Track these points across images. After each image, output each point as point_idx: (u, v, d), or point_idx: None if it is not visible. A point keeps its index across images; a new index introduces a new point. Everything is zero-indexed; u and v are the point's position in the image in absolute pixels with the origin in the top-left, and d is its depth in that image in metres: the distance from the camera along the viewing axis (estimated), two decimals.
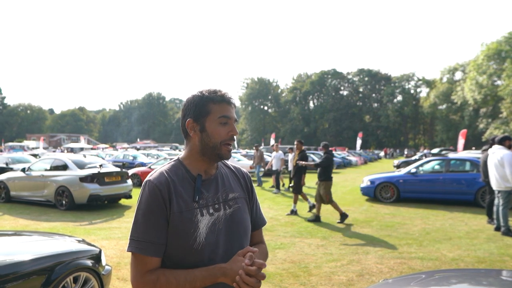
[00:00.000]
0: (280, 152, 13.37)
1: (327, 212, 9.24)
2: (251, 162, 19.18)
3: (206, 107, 1.34)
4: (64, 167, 10.00)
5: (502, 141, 7.02)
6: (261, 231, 1.57)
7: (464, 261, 5.29)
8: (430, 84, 72.18)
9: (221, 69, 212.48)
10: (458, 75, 62.88)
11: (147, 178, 1.32)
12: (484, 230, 7.20)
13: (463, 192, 10.09)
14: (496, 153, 6.95)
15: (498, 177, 6.86)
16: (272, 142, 36.28)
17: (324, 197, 8.12)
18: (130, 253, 1.28)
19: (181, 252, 1.27)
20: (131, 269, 1.28)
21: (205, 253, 1.27)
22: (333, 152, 37.19)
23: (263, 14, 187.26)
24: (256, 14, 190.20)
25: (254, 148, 14.70)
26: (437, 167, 10.98)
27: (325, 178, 8.20)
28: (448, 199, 10.34)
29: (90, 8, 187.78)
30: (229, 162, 1.54)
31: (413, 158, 30.12)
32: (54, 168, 10.17)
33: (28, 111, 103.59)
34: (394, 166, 28.02)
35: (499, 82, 45.27)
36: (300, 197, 9.20)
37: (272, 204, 10.70)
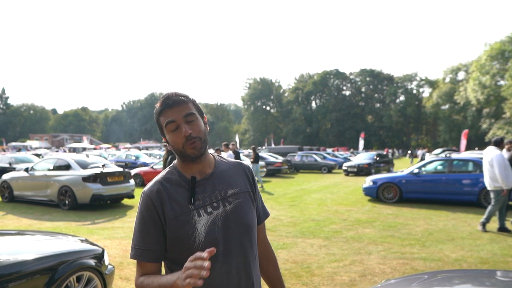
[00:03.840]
0: (230, 152, 11.84)
1: (329, 213, 9.23)
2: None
3: (158, 122, 1.37)
4: (67, 167, 10.02)
5: (496, 143, 7.25)
6: (264, 224, 1.59)
7: (467, 261, 5.27)
8: (432, 84, 72.00)
9: (224, 69, 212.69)
10: (461, 75, 62.71)
11: (144, 189, 1.39)
12: (487, 230, 7.17)
13: (466, 192, 10.05)
14: (489, 154, 7.16)
15: (488, 177, 7.09)
16: (272, 143, 35.43)
17: None
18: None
19: (183, 254, 1.28)
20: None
21: None
22: (336, 152, 36.28)
23: (265, 14, 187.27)
24: (258, 14, 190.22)
25: (215, 149, 12.92)
26: (439, 167, 10.95)
27: None
28: (451, 199, 10.30)
29: (93, 8, 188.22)
30: (230, 159, 1.55)
31: (355, 162, 22.53)
32: (57, 168, 10.20)
33: (31, 111, 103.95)
34: (344, 170, 22.10)
35: (502, 82, 45.12)
36: None
37: (274, 204, 10.69)
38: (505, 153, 8.26)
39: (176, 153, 1.37)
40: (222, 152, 12.26)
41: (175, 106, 1.33)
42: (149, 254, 1.31)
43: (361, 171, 21.19)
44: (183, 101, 1.34)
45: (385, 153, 28.97)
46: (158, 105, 1.36)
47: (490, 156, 7.04)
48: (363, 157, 23.60)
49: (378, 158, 22.83)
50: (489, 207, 7.14)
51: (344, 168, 22.37)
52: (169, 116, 1.32)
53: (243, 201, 1.41)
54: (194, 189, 1.33)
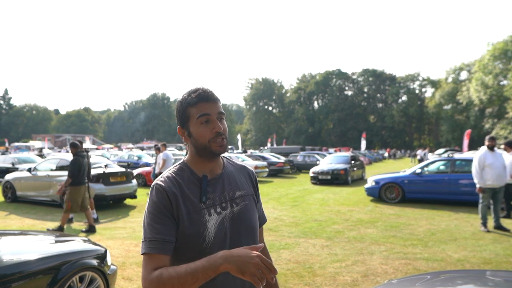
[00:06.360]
0: (166, 152, 11.16)
1: (332, 213, 9.22)
2: (255, 162, 19.20)
3: (186, 113, 1.34)
4: None
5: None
6: (262, 229, 1.60)
7: (469, 262, 5.26)
8: (435, 84, 71.82)
9: (226, 69, 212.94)
10: (463, 75, 62.53)
11: (154, 182, 1.35)
12: (490, 230, 7.15)
13: (469, 192, 9.98)
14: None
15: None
16: (275, 143, 35.01)
17: (66, 204, 7.11)
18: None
19: (192, 253, 1.28)
20: (142, 269, 1.28)
21: (214, 252, 1.27)
22: (339, 152, 35.50)
23: (267, 15, 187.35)
24: (260, 15, 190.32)
25: (156, 148, 11.77)
26: (442, 167, 10.92)
27: (73, 182, 7.14)
28: (454, 199, 10.26)
29: (95, 9, 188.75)
30: (236, 161, 1.56)
31: (322, 168, 17.22)
32: (60, 168, 10.21)
33: (34, 112, 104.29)
34: (311, 177, 17.01)
35: (505, 82, 45.00)
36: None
37: (276, 204, 10.69)
38: (505, 154, 8.24)
39: (198, 147, 1.35)
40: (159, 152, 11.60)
41: (210, 101, 1.34)
42: (165, 246, 1.24)
43: (336, 178, 16.33)
44: (217, 99, 1.37)
45: (353, 154, 22.20)
46: (190, 96, 1.34)
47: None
48: (334, 160, 18.51)
49: (353, 162, 18.43)
50: (478, 208, 7.40)
51: (311, 174, 17.04)
52: (204, 109, 1.32)
53: (249, 203, 1.43)
54: (206, 188, 1.34)
